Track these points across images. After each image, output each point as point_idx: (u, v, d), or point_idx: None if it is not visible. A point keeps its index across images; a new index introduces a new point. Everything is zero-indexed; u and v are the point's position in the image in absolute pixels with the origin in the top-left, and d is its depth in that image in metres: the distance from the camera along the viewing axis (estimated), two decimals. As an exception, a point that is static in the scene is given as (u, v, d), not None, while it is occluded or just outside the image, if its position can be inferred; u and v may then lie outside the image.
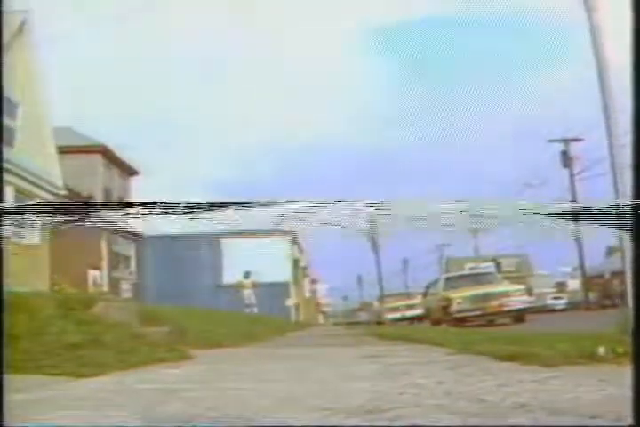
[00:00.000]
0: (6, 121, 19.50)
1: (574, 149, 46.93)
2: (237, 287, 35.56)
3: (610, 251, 60.43)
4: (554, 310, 52.14)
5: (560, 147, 47.11)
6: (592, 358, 6.07)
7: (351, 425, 3.44)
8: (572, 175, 47.19)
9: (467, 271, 42.67)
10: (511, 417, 3.48)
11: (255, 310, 33.69)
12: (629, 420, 2.59)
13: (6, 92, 17.36)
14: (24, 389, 5.17)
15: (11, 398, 3.90)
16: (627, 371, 3.36)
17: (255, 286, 35.16)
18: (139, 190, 35.49)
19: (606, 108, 8.45)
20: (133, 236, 33.81)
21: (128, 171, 34.16)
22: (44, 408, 4.34)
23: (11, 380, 4.64)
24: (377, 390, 4.79)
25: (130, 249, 33.37)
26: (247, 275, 35.32)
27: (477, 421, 3.45)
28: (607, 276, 52.65)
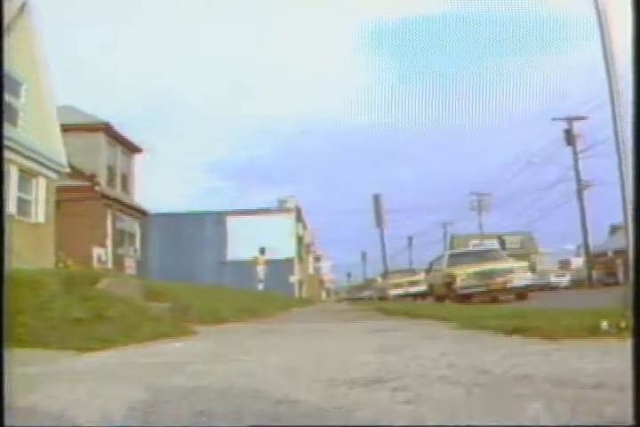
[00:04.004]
0: (10, 100, 19.44)
1: (578, 127, 46.79)
2: (253, 263, 35.74)
3: (613, 229, 60.40)
4: (557, 288, 52.14)
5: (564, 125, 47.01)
6: (594, 332, 6.07)
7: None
8: (575, 154, 47.05)
9: (471, 248, 42.58)
10: (515, 388, 3.49)
11: (262, 286, 33.94)
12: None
13: (9, 71, 17.30)
14: (30, 362, 5.20)
15: (17, 371, 3.92)
16: (629, 344, 3.37)
17: (267, 262, 35.40)
18: (142, 168, 35.48)
19: (611, 86, 8.37)
20: (138, 213, 33.83)
21: (131, 148, 34.06)
22: (49, 381, 4.36)
23: (17, 353, 4.67)
24: (381, 362, 4.80)
25: (134, 226, 33.36)
26: (262, 251, 35.51)
27: (481, 391, 3.46)
28: (610, 254, 52.61)
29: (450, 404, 3.20)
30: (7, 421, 2.08)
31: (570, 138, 47.08)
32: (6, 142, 17.37)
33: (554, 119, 46.86)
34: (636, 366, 2.77)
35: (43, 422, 3.10)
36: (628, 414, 2.83)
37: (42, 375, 4.67)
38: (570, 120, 46.82)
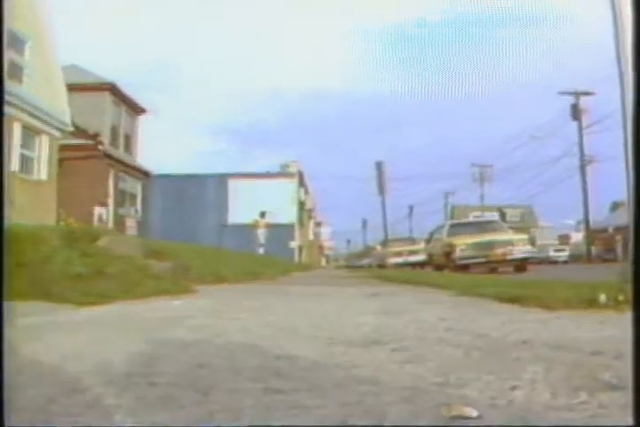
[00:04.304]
0: (14, 57, 19.31)
1: (585, 102, 46.63)
2: (253, 226, 35.80)
3: (614, 206, 60.46)
4: (556, 262, 52.29)
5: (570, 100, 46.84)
6: (593, 304, 6.08)
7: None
8: (580, 129, 46.88)
9: (471, 219, 42.64)
10: (514, 351, 3.50)
11: (262, 250, 34.01)
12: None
13: (14, 28, 17.16)
14: (30, 313, 5.23)
15: (17, 321, 3.94)
16: (627, 316, 3.38)
17: (268, 226, 35.44)
18: (146, 129, 35.40)
19: (619, 61, 8.28)
20: (140, 174, 33.80)
21: (136, 109, 33.95)
22: (49, 331, 4.39)
23: (17, 306, 4.68)
24: (380, 325, 4.82)
25: (136, 187, 33.35)
26: (263, 214, 35.56)
27: (479, 354, 3.48)
28: (611, 230, 52.70)
29: (448, 364, 3.21)
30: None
31: (576, 113, 46.92)
32: (10, 99, 17.29)
33: (560, 93, 46.72)
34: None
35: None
36: (623, 380, 2.84)
37: (40, 326, 4.70)
38: (576, 95, 46.63)
